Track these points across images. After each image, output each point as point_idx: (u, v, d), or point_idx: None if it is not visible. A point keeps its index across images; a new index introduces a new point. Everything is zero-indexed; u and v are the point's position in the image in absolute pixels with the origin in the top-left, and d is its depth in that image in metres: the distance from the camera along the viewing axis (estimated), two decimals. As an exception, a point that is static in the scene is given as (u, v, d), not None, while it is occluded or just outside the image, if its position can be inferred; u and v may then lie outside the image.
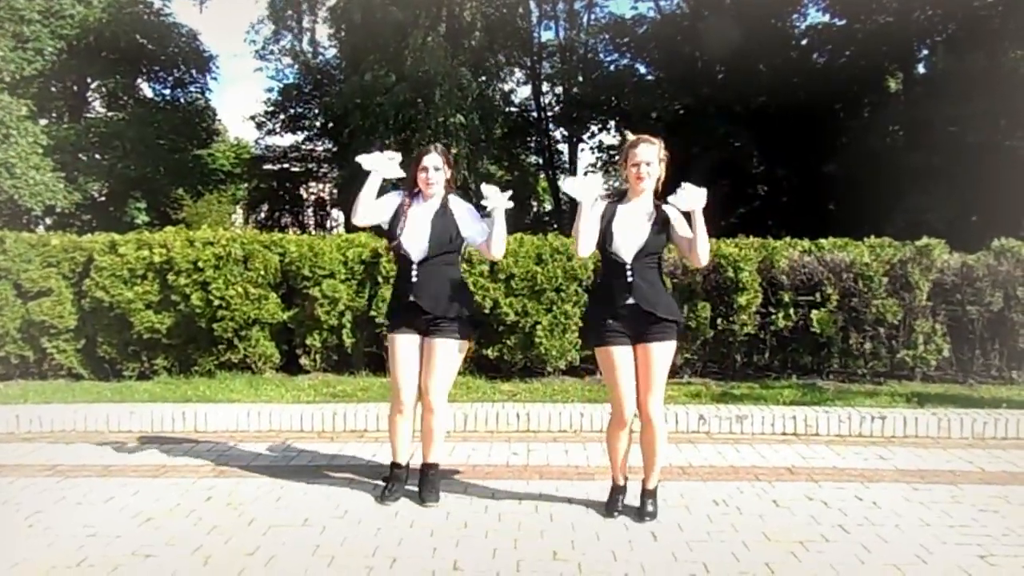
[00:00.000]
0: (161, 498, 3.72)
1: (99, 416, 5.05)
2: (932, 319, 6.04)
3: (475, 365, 6.28)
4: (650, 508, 3.45)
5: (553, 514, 3.50)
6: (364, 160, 3.54)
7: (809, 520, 3.44)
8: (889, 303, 5.99)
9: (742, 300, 6.04)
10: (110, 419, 5.04)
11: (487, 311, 6.06)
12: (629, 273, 3.30)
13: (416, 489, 3.66)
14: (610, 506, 3.51)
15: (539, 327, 5.98)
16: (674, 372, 6.28)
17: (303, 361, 6.35)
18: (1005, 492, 3.82)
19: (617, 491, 3.55)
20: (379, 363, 6.35)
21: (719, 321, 6.15)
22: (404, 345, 3.57)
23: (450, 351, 3.55)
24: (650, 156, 3.31)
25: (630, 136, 3.43)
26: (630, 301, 3.29)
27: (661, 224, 3.35)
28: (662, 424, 3.43)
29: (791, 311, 6.12)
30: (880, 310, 5.98)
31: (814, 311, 6.05)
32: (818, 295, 6.10)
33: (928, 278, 6.02)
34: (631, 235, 3.33)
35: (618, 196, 3.45)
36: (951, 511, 3.56)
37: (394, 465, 3.72)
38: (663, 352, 3.34)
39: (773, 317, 6.13)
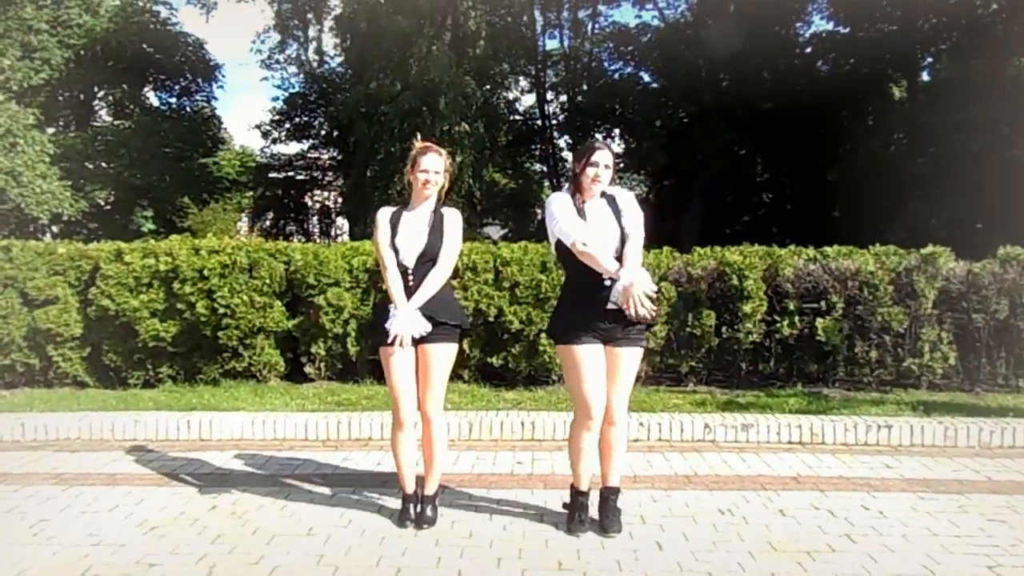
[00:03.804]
0: (166, 507, 3.72)
1: (104, 424, 5.06)
2: (938, 327, 6.02)
3: (479, 373, 6.28)
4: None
5: (558, 523, 3.49)
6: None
7: (815, 530, 3.43)
8: (895, 311, 5.97)
9: (747, 308, 6.03)
10: (115, 427, 5.05)
11: (491, 319, 6.06)
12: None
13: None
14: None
15: (543, 335, 5.97)
16: (679, 380, 6.29)
17: (308, 369, 6.36)
18: (1013, 502, 3.79)
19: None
20: (384, 372, 6.34)
21: (724, 329, 6.13)
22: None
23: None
24: (437, 166, 3.48)
25: (418, 144, 3.59)
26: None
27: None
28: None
29: (796, 319, 6.10)
30: (886, 318, 5.96)
31: (819, 319, 6.03)
32: (823, 303, 6.08)
33: (934, 286, 6.00)
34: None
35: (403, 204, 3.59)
36: (958, 521, 3.54)
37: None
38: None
39: (778, 325, 6.11)
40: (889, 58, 20.30)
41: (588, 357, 3.28)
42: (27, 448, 4.86)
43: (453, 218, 3.55)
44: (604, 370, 3.31)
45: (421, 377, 3.49)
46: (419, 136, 3.69)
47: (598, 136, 25.31)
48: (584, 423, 3.35)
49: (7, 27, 15.86)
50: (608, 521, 3.42)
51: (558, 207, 3.35)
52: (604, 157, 3.35)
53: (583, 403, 3.31)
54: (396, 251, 3.46)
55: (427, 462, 3.56)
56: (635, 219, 3.36)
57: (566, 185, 3.54)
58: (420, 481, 3.59)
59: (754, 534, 3.37)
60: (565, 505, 3.55)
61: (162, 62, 20.70)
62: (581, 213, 3.33)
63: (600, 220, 3.32)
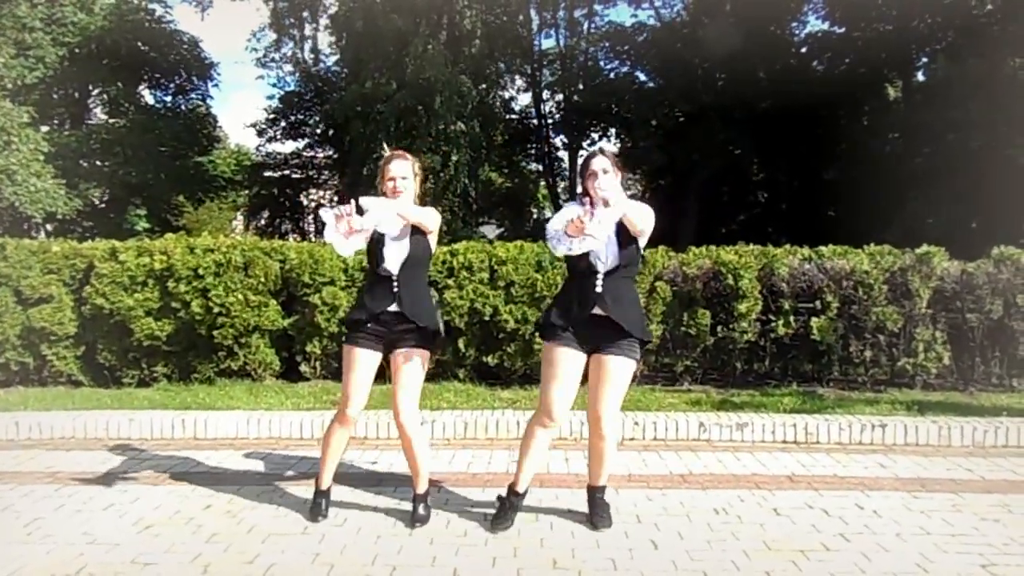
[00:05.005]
0: (161, 505, 3.71)
1: (99, 423, 5.05)
2: (932, 327, 6.04)
3: (475, 372, 6.28)
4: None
5: (553, 522, 3.50)
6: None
7: (810, 528, 3.44)
8: (889, 311, 5.98)
9: (742, 307, 6.04)
10: (110, 426, 5.03)
11: (487, 318, 6.06)
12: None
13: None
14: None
15: (538, 334, 5.98)
16: (674, 379, 6.30)
17: (303, 368, 6.35)
18: (1006, 501, 3.81)
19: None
20: (379, 371, 6.34)
21: (719, 328, 6.14)
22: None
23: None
24: (404, 171, 3.44)
25: (387, 152, 3.56)
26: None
27: None
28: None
29: (791, 318, 6.11)
30: (880, 318, 5.98)
31: (814, 319, 6.05)
32: (818, 303, 6.09)
33: (928, 286, 6.02)
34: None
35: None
36: (952, 520, 3.55)
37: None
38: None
39: (773, 324, 6.13)
40: (885, 58, 20.36)
41: (563, 359, 3.31)
42: (21, 447, 4.84)
43: (429, 209, 3.54)
44: (578, 378, 3.34)
45: (395, 383, 3.46)
46: (386, 148, 3.68)
47: (594, 137, 25.37)
48: (542, 419, 3.38)
49: (1, 25, 15.80)
50: (598, 517, 3.46)
51: (558, 214, 3.39)
52: (600, 163, 3.32)
53: (546, 402, 3.35)
54: (382, 259, 3.42)
55: (412, 467, 3.54)
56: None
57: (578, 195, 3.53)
58: (410, 482, 3.60)
59: (749, 533, 3.37)
60: (499, 498, 3.54)
61: (157, 60, 20.67)
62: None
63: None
